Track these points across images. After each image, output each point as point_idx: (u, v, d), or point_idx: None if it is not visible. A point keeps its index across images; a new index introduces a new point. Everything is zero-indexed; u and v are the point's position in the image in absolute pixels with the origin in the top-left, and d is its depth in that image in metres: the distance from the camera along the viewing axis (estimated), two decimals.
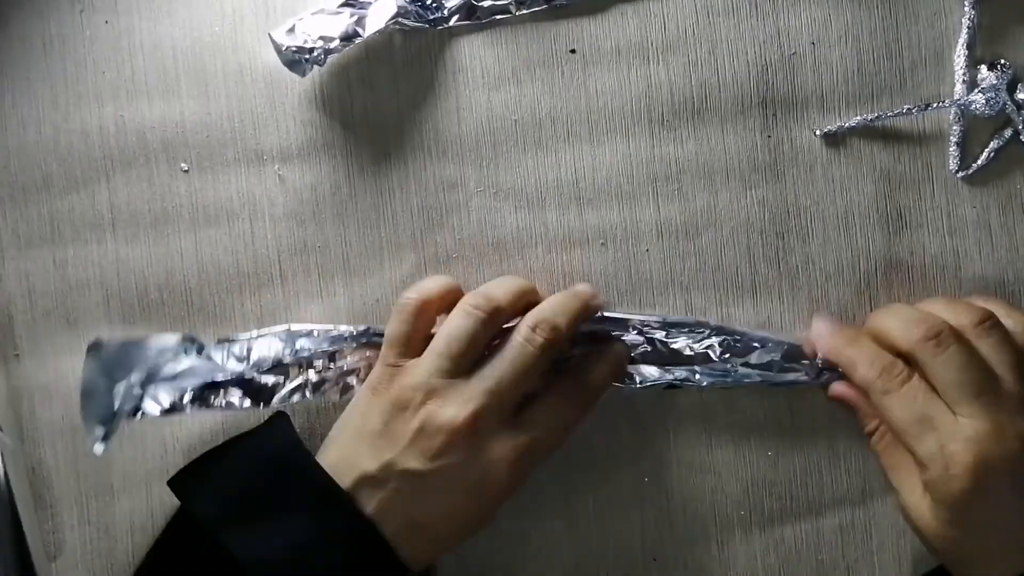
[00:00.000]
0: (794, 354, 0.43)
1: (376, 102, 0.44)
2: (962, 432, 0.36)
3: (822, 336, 0.42)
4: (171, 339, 0.41)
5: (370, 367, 0.41)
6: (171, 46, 0.44)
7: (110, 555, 0.43)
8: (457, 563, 0.44)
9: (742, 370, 0.42)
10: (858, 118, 0.44)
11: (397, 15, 0.42)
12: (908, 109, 0.44)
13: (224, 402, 0.41)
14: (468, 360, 0.39)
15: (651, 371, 0.43)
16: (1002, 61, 0.44)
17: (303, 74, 0.42)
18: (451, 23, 0.43)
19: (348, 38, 0.42)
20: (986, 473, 0.36)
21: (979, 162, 0.44)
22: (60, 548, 0.43)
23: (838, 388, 0.42)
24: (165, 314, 0.44)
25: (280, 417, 0.42)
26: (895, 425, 0.38)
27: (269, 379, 0.42)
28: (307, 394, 0.42)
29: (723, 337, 0.43)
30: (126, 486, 0.44)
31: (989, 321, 0.39)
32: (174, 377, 0.41)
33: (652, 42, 0.44)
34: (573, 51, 0.44)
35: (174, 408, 0.41)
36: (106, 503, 0.43)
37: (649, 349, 0.43)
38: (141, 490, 0.43)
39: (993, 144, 0.44)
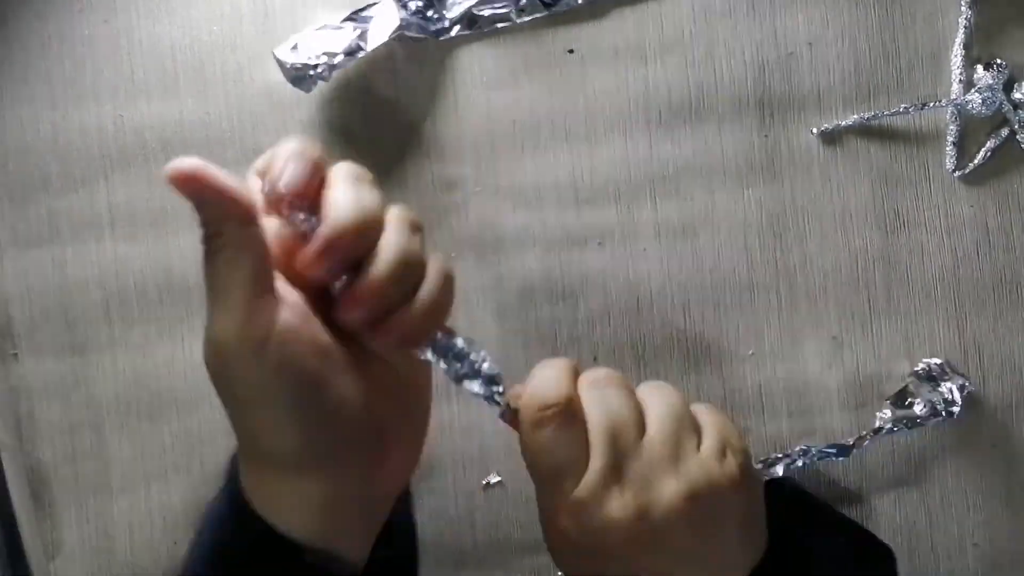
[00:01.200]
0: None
1: (375, 102, 0.44)
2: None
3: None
4: None
5: None
6: (170, 46, 0.44)
7: (109, 554, 0.43)
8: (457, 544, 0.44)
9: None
10: (855, 118, 0.44)
11: (400, 28, 0.42)
12: (905, 109, 0.44)
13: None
14: None
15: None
16: (998, 61, 0.44)
17: (308, 90, 0.42)
18: (453, 33, 0.43)
19: (351, 52, 0.42)
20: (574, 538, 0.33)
21: (976, 161, 0.44)
22: (58, 547, 0.43)
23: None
24: (164, 313, 0.44)
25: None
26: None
27: None
28: None
29: None
30: (125, 486, 0.44)
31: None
32: None
33: (650, 43, 0.44)
34: (571, 51, 0.44)
35: None
36: (104, 502, 0.43)
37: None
38: (140, 490, 0.43)
39: (990, 143, 0.44)
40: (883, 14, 0.44)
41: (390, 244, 0.31)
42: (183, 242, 0.44)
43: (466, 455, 0.44)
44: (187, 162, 0.29)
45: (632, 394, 0.35)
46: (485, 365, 0.34)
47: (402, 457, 0.35)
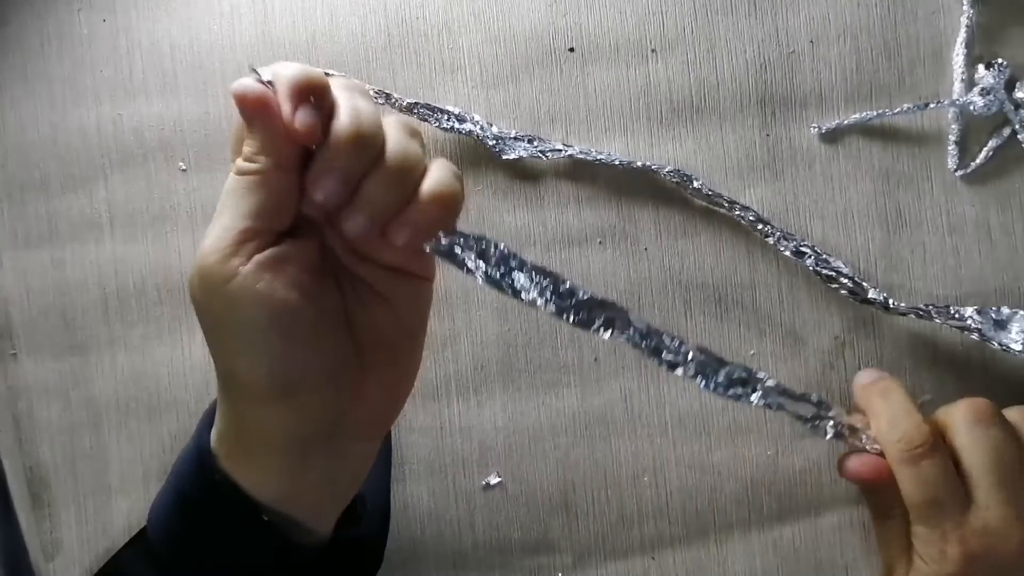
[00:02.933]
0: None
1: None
2: (970, 526, 0.35)
3: (860, 382, 0.40)
4: None
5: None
6: (169, 45, 0.44)
7: (108, 554, 0.43)
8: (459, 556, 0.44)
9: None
10: (857, 116, 0.44)
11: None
12: (907, 108, 0.44)
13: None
14: None
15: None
16: (1000, 60, 0.44)
17: None
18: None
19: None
20: (975, 567, 0.35)
21: (978, 161, 0.44)
22: (57, 547, 0.43)
23: (855, 466, 0.38)
24: (163, 313, 0.44)
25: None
26: (904, 498, 0.36)
27: None
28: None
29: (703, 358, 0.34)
30: (123, 486, 0.43)
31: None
32: None
33: (651, 40, 0.44)
34: (572, 49, 0.44)
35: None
36: (103, 502, 0.43)
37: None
38: (139, 489, 0.43)
39: (991, 143, 0.44)
40: (885, 13, 0.44)
41: (391, 145, 0.30)
42: (182, 242, 0.44)
43: (466, 455, 0.44)
44: (257, 88, 0.29)
45: (1010, 431, 0.37)
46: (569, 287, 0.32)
47: (380, 402, 0.33)
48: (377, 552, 0.40)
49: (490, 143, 0.43)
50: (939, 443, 0.36)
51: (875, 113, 0.44)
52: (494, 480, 0.44)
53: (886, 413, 0.38)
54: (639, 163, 0.43)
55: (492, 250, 0.31)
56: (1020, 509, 0.35)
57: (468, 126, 0.43)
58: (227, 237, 0.30)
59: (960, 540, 0.35)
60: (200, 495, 0.32)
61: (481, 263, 0.31)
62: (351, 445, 0.33)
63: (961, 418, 0.37)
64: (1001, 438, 0.36)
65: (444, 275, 0.44)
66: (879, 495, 0.38)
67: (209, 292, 0.30)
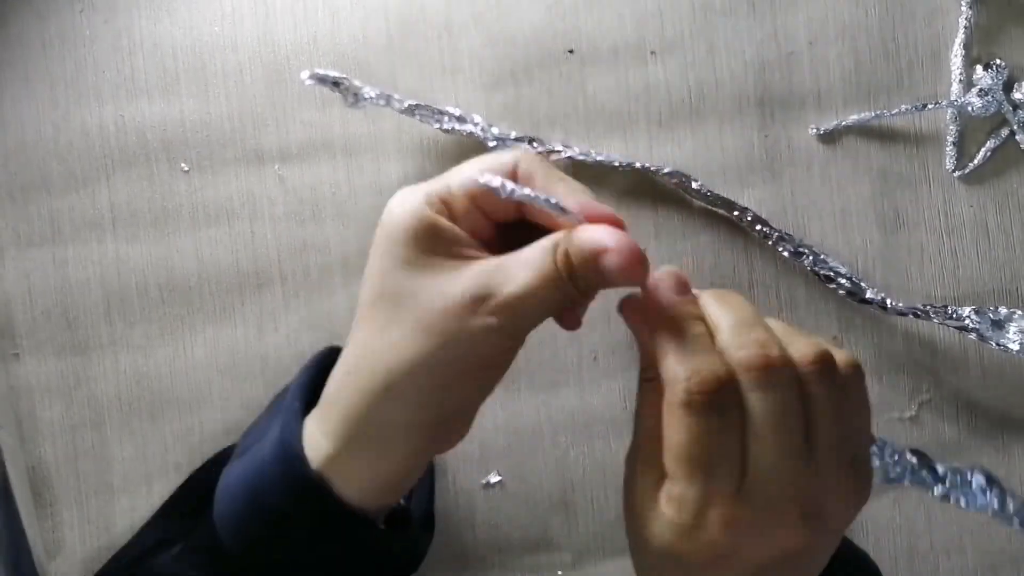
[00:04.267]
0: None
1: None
2: (740, 505, 0.28)
3: (659, 292, 0.30)
4: None
5: None
6: (171, 45, 0.44)
7: (110, 554, 0.43)
8: (463, 548, 0.44)
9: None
10: (855, 117, 0.44)
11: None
12: (905, 109, 0.44)
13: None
14: None
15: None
16: (998, 61, 0.44)
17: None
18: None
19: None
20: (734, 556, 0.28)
21: (975, 161, 0.44)
22: (60, 547, 0.44)
23: (632, 308, 0.31)
24: (165, 313, 0.44)
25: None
26: (670, 442, 0.28)
27: None
28: None
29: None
30: (126, 485, 0.44)
31: (826, 364, 0.29)
32: None
33: (650, 42, 0.44)
34: (571, 51, 0.44)
35: None
36: (106, 502, 0.44)
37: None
38: (141, 489, 0.44)
39: (989, 144, 0.44)
40: (883, 14, 0.44)
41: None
42: (184, 242, 0.44)
43: (466, 454, 0.44)
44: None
45: None
46: None
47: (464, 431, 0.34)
48: (422, 552, 0.40)
49: (490, 144, 0.43)
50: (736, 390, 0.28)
51: (873, 114, 0.44)
52: (494, 479, 0.44)
53: (682, 349, 0.29)
54: (638, 164, 0.43)
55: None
56: (794, 491, 0.28)
57: (468, 127, 0.43)
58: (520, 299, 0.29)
59: (725, 511, 0.28)
60: (291, 503, 0.32)
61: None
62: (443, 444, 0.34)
63: (746, 371, 0.28)
64: (788, 400, 0.28)
65: None
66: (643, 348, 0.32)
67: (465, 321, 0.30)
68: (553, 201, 0.29)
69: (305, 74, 0.40)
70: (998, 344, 0.43)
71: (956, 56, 0.44)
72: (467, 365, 0.30)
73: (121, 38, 0.44)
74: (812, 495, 0.28)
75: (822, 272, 0.43)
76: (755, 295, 0.44)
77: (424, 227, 0.31)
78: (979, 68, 0.44)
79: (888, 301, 0.43)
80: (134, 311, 0.44)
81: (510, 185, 0.28)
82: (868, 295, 0.43)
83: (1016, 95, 0.44)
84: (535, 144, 0.43)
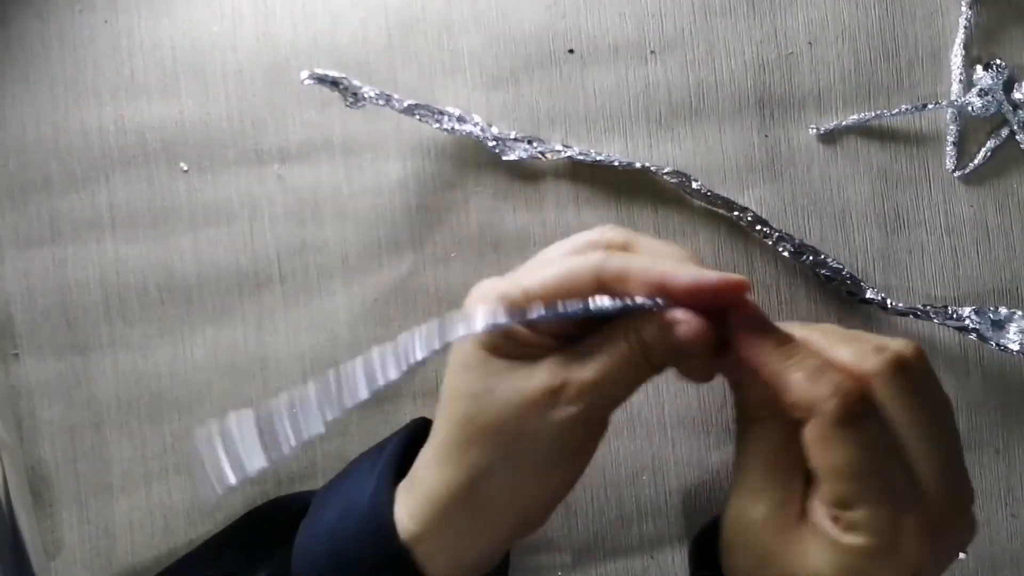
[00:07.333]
0: None
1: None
2: (928, 511, 0.28)
3: (747, 342, 0.30)
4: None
5: None
6: (170, 46, 0.44)
7: (109, 554, 0.43)
8: None
9: None
10: (855, 117, 0.44)
11: None
12: (905, 109, 0.44)
13: None
14: None
15: None
16: (998, 61, 0.44)
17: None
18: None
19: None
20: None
21: (976, 161, 0.44)
22: (59, 547, 0.44)
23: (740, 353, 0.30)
24: (164, 313, 0.44)
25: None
26: (835, 468, 0.28)
27: None
28: None
29: None
30: (125, 485, 0.44)
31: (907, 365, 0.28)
32: None
33: (650, 42, 0.44)
34: (571, 51, 0.44)
35: None
36: (105, 502, 0.44)
37: None
38: (140, 489, 0.43)
39: (989, 143, 0.44)
40: (883, 14, 0.44)
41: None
42: (183, 242, 0.44)
43: None
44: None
45: None
46: None
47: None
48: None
49: (490, 144, 0.43)
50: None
51: (873, 114, 0.44)
52: None
53: (807, 374, 0.28)
54: (638, 164, 0.43)
55: None
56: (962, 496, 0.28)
57: (468, 127, 0.43)
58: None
59: (918, 521, 0.27)
60: (378, 571, 0.32)
61: None
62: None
63: (880, 375, 0.28)
64: (928, 395, 0.29)
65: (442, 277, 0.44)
66: (753, 386, 0.30)
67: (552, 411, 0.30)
68: (624, 303, 0.29)
69: (305, 74, 0.40)
70: (998, 344, 0.43)
71: (956, 56, 0.44)
72: (550, 458, 0.31)
73: (121, 38, 0.44)
74: (968, 483, 0.29)
75: (822, 272, 0.43)
76: (755, 295, 0.44)
77: (495, 335, 0.31)
78: (979, 68, 0.44)
79: (888, 301, 0.43)
80: (133, 311, 0.44)
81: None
82: (868, 295, 0.43)
83: (1016, 95, 0.44)
84: (535, 144, 0.43)
